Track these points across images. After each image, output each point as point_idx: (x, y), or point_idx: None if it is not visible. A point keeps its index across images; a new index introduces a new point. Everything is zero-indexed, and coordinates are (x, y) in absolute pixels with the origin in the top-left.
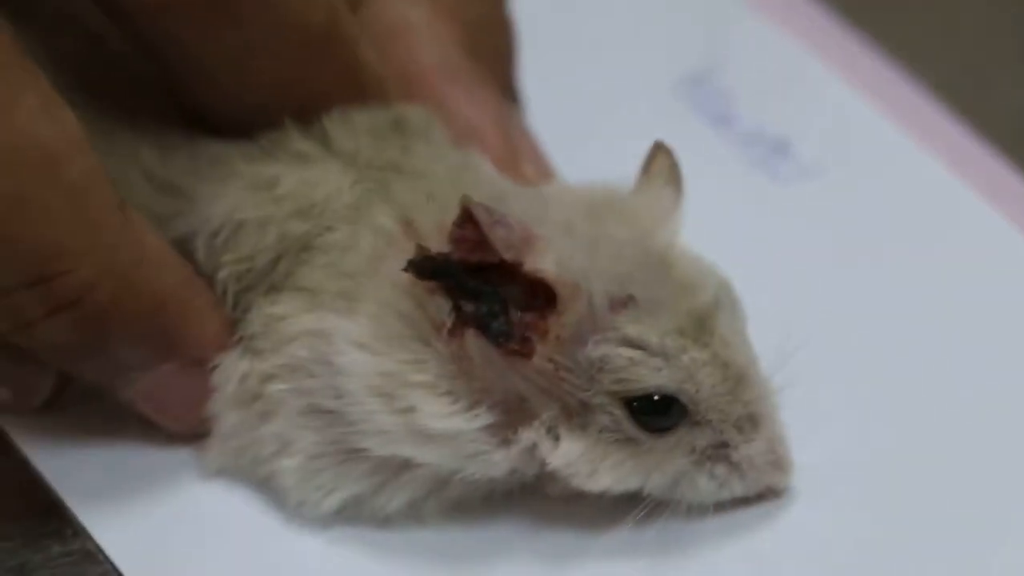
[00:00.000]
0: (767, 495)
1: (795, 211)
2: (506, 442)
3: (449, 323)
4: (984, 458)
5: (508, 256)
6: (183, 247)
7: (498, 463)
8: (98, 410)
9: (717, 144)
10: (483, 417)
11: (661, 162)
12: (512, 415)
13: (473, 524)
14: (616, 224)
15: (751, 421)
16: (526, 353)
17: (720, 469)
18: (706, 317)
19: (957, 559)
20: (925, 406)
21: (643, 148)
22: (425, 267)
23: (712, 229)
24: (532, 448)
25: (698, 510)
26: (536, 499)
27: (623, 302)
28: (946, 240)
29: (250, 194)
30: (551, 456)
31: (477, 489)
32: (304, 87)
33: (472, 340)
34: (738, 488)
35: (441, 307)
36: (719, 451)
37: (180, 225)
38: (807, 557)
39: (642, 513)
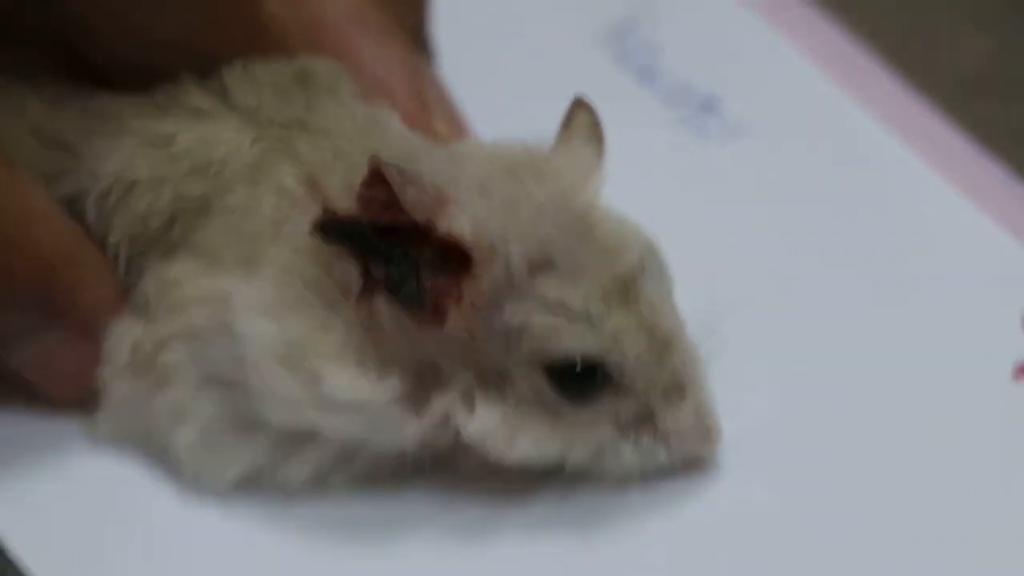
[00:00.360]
0: (694, 466)
1: (723, 171)
2: (418, 411)
3: (357, 288)
4: (916, 423)
5: (420, 218)
6: (72, 207)
7: (409, 433)
8: None
9: (642, 99)
10: (393, 386)
11: (581, 119)
12: (424, 383)
13: (382, 497)
14: (535, 185)
15: (678, 389)
16: (439, 320)
17: (645, 440)
18: (631, 281)
19: (888, 528)
20: (857, 373)
21: (563, 103)
22: (332, 229)
23: (636, 189)
24: (445, 417)
25: (621, 482)
26: (449, 471)
27: (542, 266)
28: (883, 201)
29: (143, 152)
30: (466, 425)
31: (386, 461)
32: (203, 40)
33: (382, 306)
34: (664, 458)
35: (348, 271)
36: (645, 420)
37: (68, 184)
38: (734, 530)
39: (562, 485)
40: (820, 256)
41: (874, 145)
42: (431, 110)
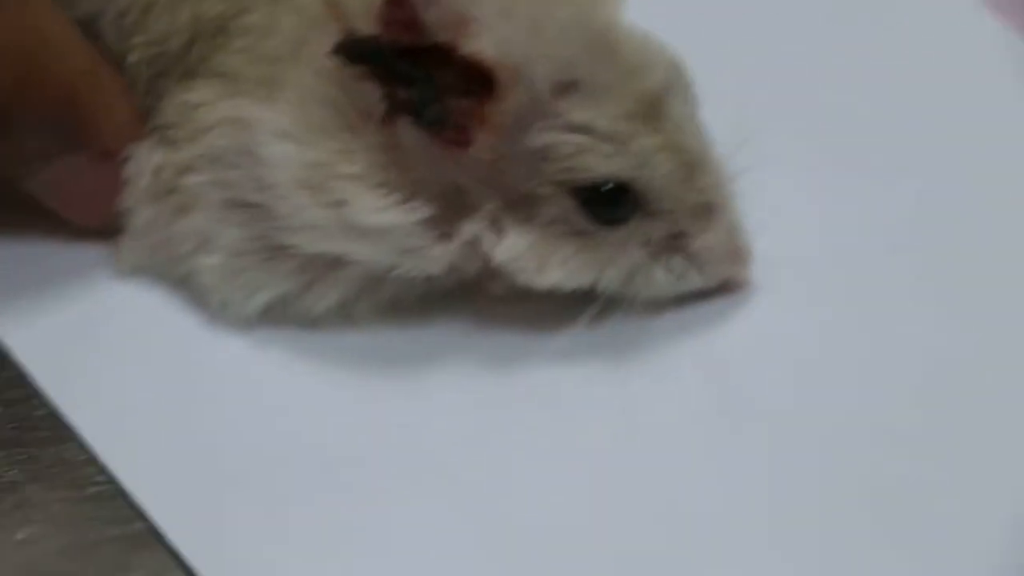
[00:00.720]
0: (726, 288)
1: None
2: (445, 236)
3: (380, 110)
4: (950, 246)
5: (442, 38)
6: (88, 28)
7: (437, 258)
8: (2, 203)
9: None
10: (419, 210)
11: None
12: (451, 208)
13: (409, 325)
14: (558, 5)
15: (707, 210)
16: (463, 142)
17: (677, 261)
18: (657, 100)
19: (920, 354)
20: (890, 194)
21: None
22: (353, 50)
23: (664, 6)
24: (474, 242)
25: (652, 307)
26: (477, 298)
27: (567, 87)
28: (920, 24)
29: None
30: (495, 250)
31: (413, 288)
32: None
33: (405, 128)
34: (696, 280)
35: (370, 94)
36: (675, 242)
37: (84, 4)
38: (767, 354)
39: (594, 312)
40: (854, 74)
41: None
42: None
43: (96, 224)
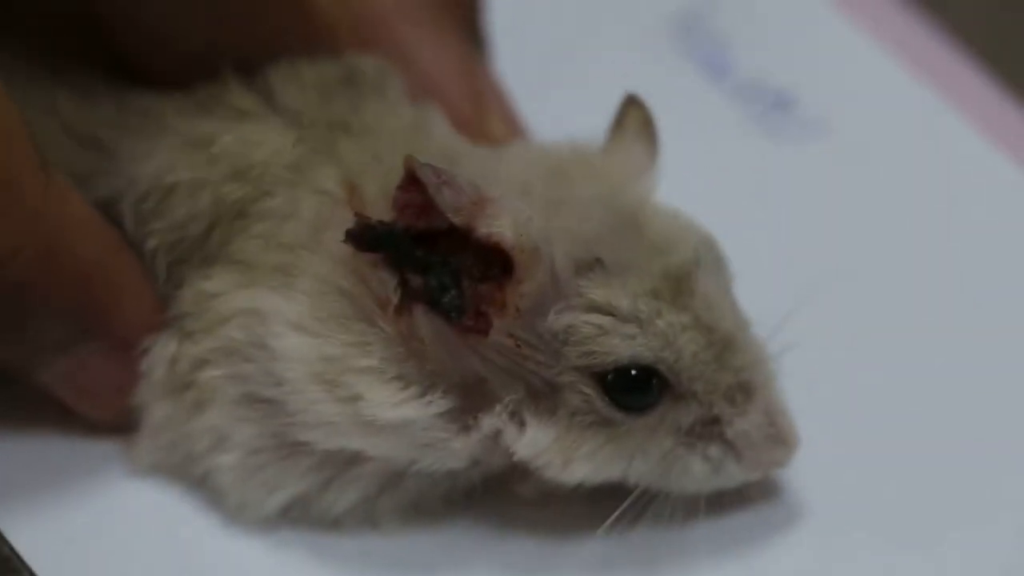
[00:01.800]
0: (768, 476)
1: (797, 174)
2: (466, 429)
3: (395, 299)
4: (1008, 430)
5: (457, 221)
6: (107, 212)
7: (457, 452)
8: (11, 396)
9: (710, 96)
10: (438, 403)
11: (634, 116)
12: (471, 399)
13: (433, 528)
14: (582, 183)
15: (743, 391)
16: (482, 329)
17: (714, 449)
18: (683, 277)
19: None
20: (934, 375)
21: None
22: (366, 237)
23: (702, 192)
24: (495, 436)
25: (688, 507)
26: (503, 500)
27: (589, 266)
28: (970, 205)
29: (183, 153)
30: (517, 444)
31: (436, 486)
32: (247, 34)
33: (421, 317)
34: (735, 471)
35: (385, 282)
36: (710, 428)
37: (103, 186)
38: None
39: (624, 514)
40: (899, 263)
41: (962, 145)
42: (486, 109)
43: (109, 419)
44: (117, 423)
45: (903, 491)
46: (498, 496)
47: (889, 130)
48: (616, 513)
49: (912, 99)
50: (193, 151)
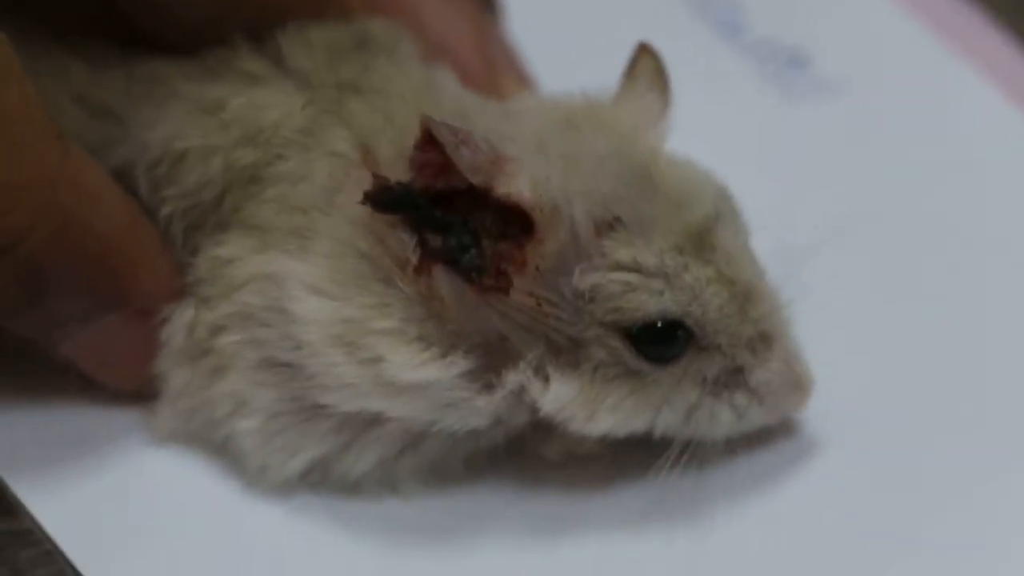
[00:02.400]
0: (786, 423)
1: (811, 133)
2: (488, 387)
3: (414, 260)
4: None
5: (476, 180)
6: (121, 180)
7: (481, 411)
8: (31, 367)
9: (724, 55)
10: (460, 363)
11: (645, 65)
12: (493, 357)
13: (453, 491)
14: (595, 137)
15: (764, 340)
16: (503, 288)
17: (739, 397)
18: (705, 231)
19: (986, 482)
20: (938, 329)
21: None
22: (384, 198)
23: (717, 152)
24: (519, 392)
25: (710, 454)
26: (523, 463)
27: (609, 224)
28: (985, 163)
29: (193, 119)
30: (542, 399)
31: (457, 446)
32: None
33: (441, 277)
34: (758, 416)
35: (404, 242)
36: (734, 377)
37: (116, 155)
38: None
39: (667, 462)
40: (913, 223)
41: (981, 105)
42: (498, 69)
43: (131, 388)
44: (138, 392)
45: (913, 430)
46: (518, 459)
47: (904, 88)
48: (663, 460)
49: (927, 57)
50: (203, 116)
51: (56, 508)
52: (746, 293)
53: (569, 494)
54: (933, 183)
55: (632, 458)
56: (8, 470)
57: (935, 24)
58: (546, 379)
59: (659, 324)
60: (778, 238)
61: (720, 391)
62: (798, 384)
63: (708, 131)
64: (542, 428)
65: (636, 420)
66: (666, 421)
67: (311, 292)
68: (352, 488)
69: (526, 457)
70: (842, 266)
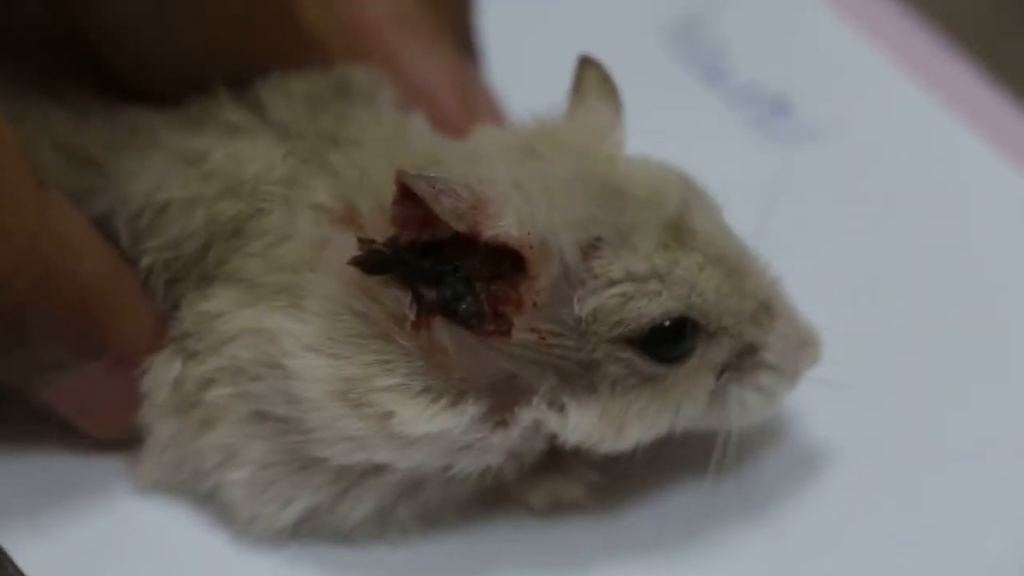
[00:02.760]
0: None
1: (796, 178)
2: (503, 425)
3: (411, 315)
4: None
5: (461, 228)
6: (101, 229)
7: (496, 448)
8: (12, 414)
9: (708, 100)
10: (471, 409)
11: (590, 76)
12: (504, 396)
13: (448, 535)
14: (556, 161)
15: (765, 310)
16: (503, 330)
17: (763, 377)
18: (679, 221)
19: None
20: (928, 365)
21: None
22: (372, 261)
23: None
24: (535, 427)
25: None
26: (513, 507)
27: (592, 245)
28: (968, 208)
29: (175, 170)
30: (563, 430)
31: (455, 490)
32: (237, 50)
33: (441, 329)
34: (783, 389)
35: (398, 299)
36: (749, 358)
37: (96, 204)
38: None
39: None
40: (896, 268)
41: (960, 149)
42: (477, 114)
43: (113, 435)
44: (121, 440)
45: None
46: (507, 504)
47: (887, 133)
48: (715, 459)
49: (910, 102)
50: (185, 167)
51: (38, 555)
52: (737, 268)
53: (555, 540)
54: (917, 229)
55: (614, 501)
56: None
57: (916, 69)
58: (562, 409)
59: (666, 324)
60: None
61: (742, 377)
62: (807, 341)
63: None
64: (527, 478)
65: (661, 423)
66: (688, 416)
67: (307, 350)
68: (344, 537)
69: (512, 503)
70: (826, 307)
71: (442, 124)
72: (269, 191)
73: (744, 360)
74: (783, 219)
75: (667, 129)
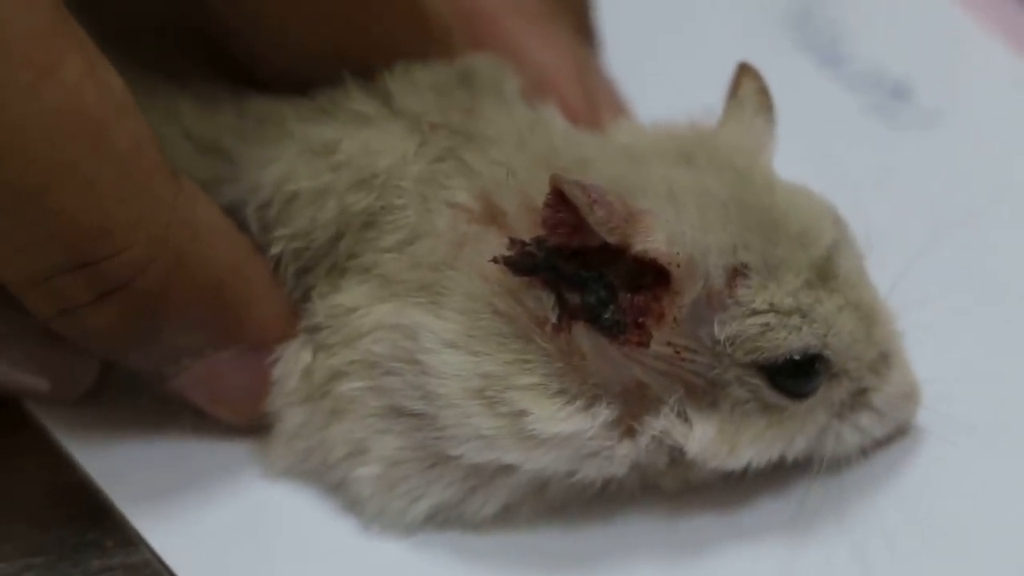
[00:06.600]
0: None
1: (915, 162)
2: (629, 433)
3: (553, 318)
4: None
5: (612, 240)
6: (233, 217)
7: (621, 458)
8: (147, 401)
9: (826, 87)
10: (603, 412)
11: (748, 87)
12: (633, 404)
13: (571, 525)
14: (713, 175)
15: (884, 360)
16: (643, 341)
17: (864, 419)
18: (827, 261)
19: None
20: None
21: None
22: (522, 263)
23: (821, 182)
24: (661, 437)
25: (838, 465)
26: (642, 494)
27: (739, 271)
28: None
29: (305, 159)
30: (687, 441)
31: (582, 492)
32: (363, 37)
33: (581, 334)
34: (879, 432)
35: (541, 300)
36: (859, 399)
37: (225, 193)
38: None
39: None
40: (1017, 247)
41: None
42: (598, 105)
43: (243, 422)
44: (252, 426)
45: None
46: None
47: (1005, 119)
48: (808, 490)
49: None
50: (315, 158)
51: (172, 540)
52: (870, 316)
53: (685, 516)
54: None
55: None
56: (127, 503)
57: None
58: (687, 421)
59: (798, 358)
60: (883, 273)
61: (846, 413)
62: (912, 395)
63: (811, 162)
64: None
65: (772, 450)
66: (798, 447)
67: (447, 346)
68: (472, 528)
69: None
70: (949, 301)
71: (563, 112)
72: (403, 187)
73: (853, 400)
74: (903, 202)
75: (786, 113)
